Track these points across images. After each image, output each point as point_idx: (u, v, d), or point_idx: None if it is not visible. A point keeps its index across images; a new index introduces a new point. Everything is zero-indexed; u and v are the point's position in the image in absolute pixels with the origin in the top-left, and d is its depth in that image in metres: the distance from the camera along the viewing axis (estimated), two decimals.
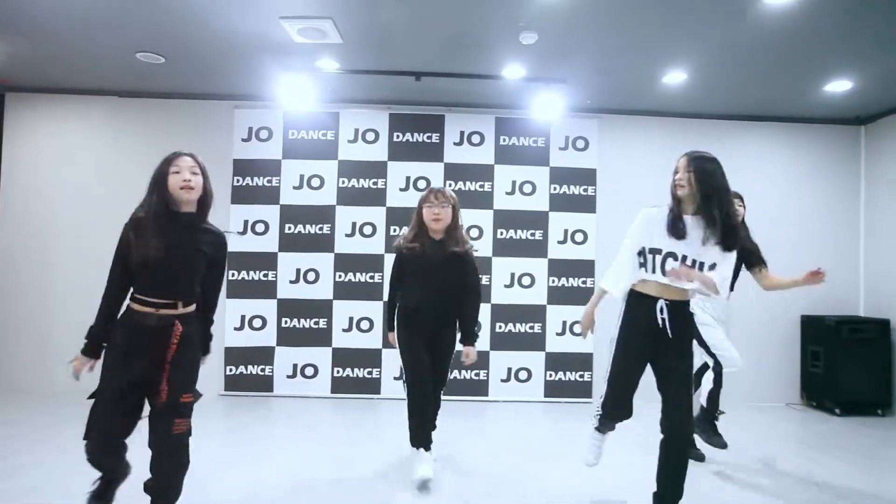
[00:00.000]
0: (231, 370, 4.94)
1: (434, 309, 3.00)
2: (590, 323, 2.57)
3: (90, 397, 2.12)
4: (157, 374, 2.09)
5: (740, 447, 3.66)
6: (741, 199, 3.30)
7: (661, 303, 2.34)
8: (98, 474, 2.23)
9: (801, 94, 4.68)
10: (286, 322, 4.99)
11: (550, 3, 3.21)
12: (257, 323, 4.97)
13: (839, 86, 4.43)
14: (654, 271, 2.35)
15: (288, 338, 4.98)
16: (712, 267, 2.28)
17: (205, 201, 2.24)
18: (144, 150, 4.94)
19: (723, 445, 3.37)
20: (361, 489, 2.96)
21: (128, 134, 5.03)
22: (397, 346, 3.07)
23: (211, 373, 4.91)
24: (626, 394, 2.47)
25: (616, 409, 2.52)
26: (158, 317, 2.10)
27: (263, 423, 4.23)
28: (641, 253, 2.40)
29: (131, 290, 2.15)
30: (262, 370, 4.96)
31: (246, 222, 4.99)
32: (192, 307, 2.20)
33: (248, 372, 4.96)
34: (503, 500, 2.87)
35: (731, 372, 3.33)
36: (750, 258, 3.28)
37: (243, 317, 4.95)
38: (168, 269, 2.11)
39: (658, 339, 2.35)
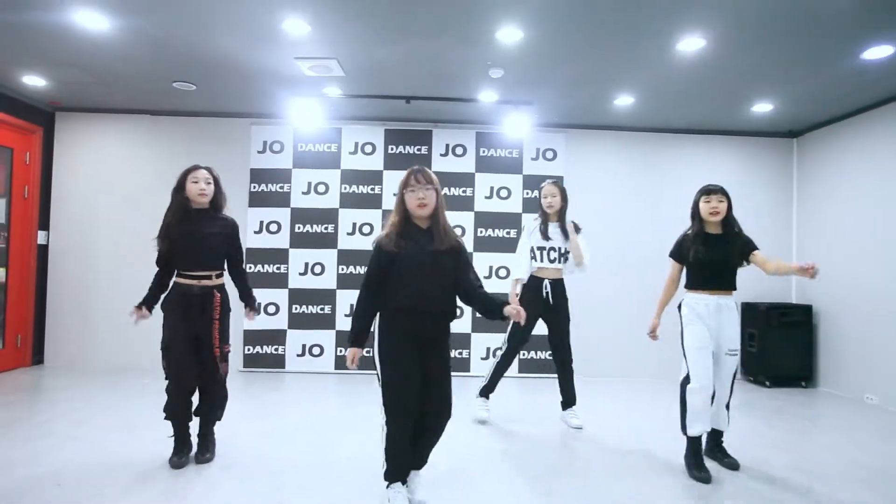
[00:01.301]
0: (249, 350, 5.75)
1: (432, 312, 2.44)
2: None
3: (163, 349, 2.97)
4: (206, 330, 2.97)
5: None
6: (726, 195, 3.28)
7: (545, 282, 3.99)
8: (170, 433, 3.10)
9: (732, 114, 5.49)
10: (296, 308, 5.80)
11: (511, 47, 4.01)
12: (272, 309, 5.78)
13: (762, 107, 5.24)
14: (541, 260, 4.00)
15: (298, 322, 5.79)
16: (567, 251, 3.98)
17: (217, 200, 3.12)
18: (174, 161, 5.76)
19: (706, 480, 3.01)
20: (361, 439, 3.78)
21: (160, 147, 5.83)
22: (376, 358, 2.46)
23: (232, 352, 5.72)
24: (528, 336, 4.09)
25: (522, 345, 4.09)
26: (200, 287, 3.00)
27: (277, 393, 5.03)
28: (532, 250, 3.86)
29: (175, 270, 3.05)
30: (276, 350, 5.78)
31: (262, 223, 5.80)
32: (223, 278, 3.11)
33: (264, 351, 5.77)
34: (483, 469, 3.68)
35: (693, 389, 3.07)
36: (745, 249, 3.20)
37: (260, 304, 5.76)
38: (195, 250, 3.00)
39: (546, 303, 3.99)
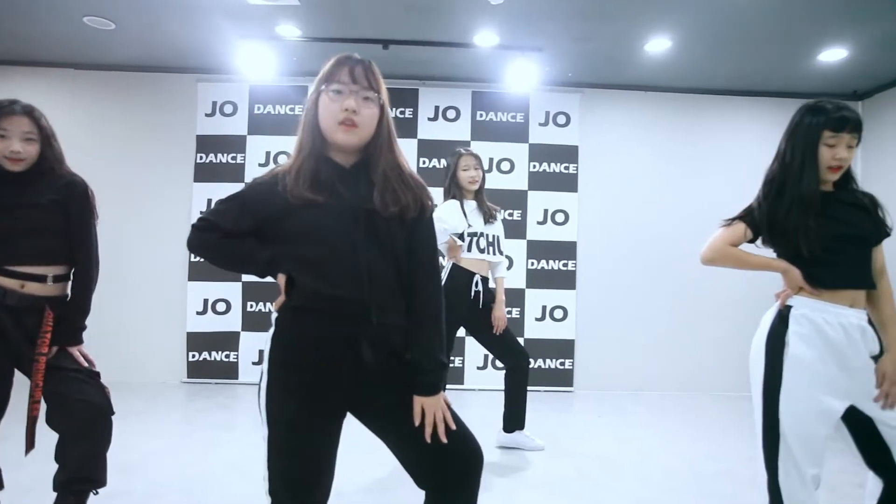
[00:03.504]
0: (194, 356, 4.73)
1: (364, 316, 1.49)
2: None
3: None
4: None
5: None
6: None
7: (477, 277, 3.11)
8: None
9: (794, 64, 4.43)
10: (251, 306, 4.77)
11: None
12: (221, 307, 4.75)
13: (834, 54, 4.18)
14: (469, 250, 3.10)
15: (254, 322, 4.75)
16: None
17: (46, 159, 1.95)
18: (103, 125, 4.78)
19: None
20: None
21: (85, 108, 4.79)
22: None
23: (173, 359, 4.73)
24: None
25: None
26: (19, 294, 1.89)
27: (225, 411, 4.03)
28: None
29: None
30: (227, 356, 4.75)
31: (209, 201, 4.76)
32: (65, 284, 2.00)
33: (212, 358, 4.74)
34: None
35: None
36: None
37: (206, 300, 4.74)
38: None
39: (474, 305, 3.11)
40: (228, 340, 4.75)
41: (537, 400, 4.52)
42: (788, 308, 1.69)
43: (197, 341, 4.73)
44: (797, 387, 1.63)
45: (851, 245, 1.67)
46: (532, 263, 4.85)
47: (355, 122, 1.30)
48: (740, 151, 4.83)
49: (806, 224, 1.65)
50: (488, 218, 3.12)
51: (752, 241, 1.82)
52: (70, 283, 2.01)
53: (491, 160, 4.84)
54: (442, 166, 4.79)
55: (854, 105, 5.07)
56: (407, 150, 4.98)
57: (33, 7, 3.74)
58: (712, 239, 1.86)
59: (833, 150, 1.66)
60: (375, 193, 1.31)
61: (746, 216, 1.80)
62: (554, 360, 4.83)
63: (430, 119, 4.85)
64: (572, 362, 4.84)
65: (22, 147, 1.87)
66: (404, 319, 1.34)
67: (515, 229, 4.81)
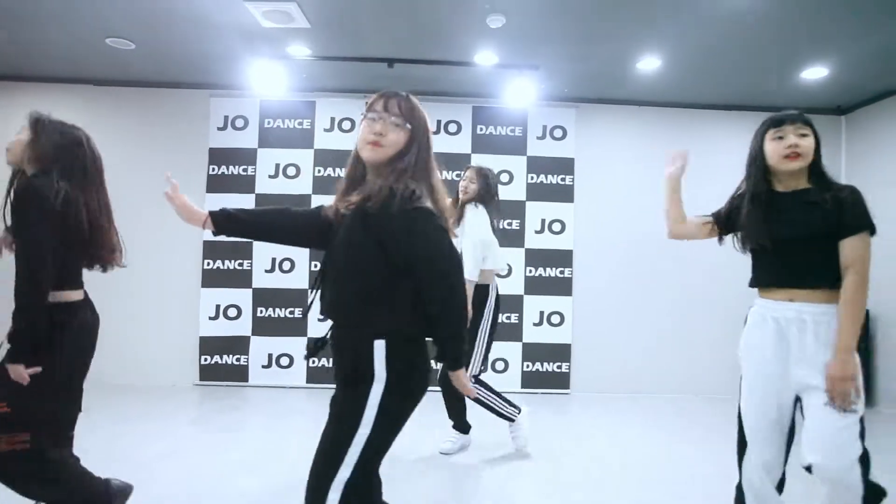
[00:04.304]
0: (206, 360, 4.91)
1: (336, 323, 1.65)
2: None
3: None
4: None
5: None
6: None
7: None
8: None
9: (778, 82, 4.64)
10: (261, 311, 4.96)
11: None
12: (232, 312, 4.94)
13: (815, 73, 4.39)
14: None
15: (263, 327, 4.95)
16: None
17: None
18: (120, 139, 4.98)
19: None
20: None
21: (105, 123, 4.97)
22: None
23: (185, 363, 4.92)
24: None
25: None
26: None
27: (236, 413, 4.21)
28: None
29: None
30: (237, 360, 4.93)
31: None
32: None
33: (223, 362, 4.93)
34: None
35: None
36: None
37: (218, 306, 4.93)
38: None
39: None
40: (239, 344, 4.94)
41: (535, 402, 4.70)
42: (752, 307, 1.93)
43: (209, 345, 4.91)
44: (747, 375, 1.86)
45: (790, 245, 1.79)
46: (530, 271, 5.06)
47: (380, 142, 1.53)
48: (728, 163, 4.95)
49: (756, 219, 1.83)
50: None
51: (720, 235, 2.07)
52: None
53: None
54: (444, 179, 4.99)
55: (837, 120, 5.30)
56: None
57: (57, 28, 3.93)
58: None
59: (781, 142, 1.82)
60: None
61: (716, 212, 2.09)
62: (551, 364, 5.02)
63: (433, 132, 5.05)
64: (569, 366, 5.03)
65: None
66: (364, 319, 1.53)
67: (514, 238, 5.01)
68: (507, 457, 3.32)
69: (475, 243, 3.07)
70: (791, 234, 1.79)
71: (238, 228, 1.71)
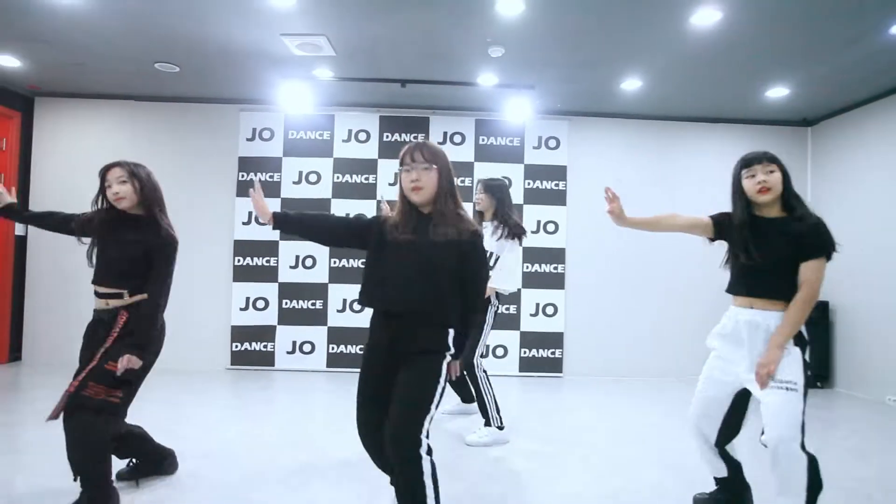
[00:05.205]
0: (237, 346, 5.49)
1: (398, 313, 2.06)
2: None
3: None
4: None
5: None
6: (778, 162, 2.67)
7: None
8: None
9: (746, 100, 5.21)
10: (286, 303, 5.53)
11: (511, 21, 3.74)
12: (261, 304, 5.52)
13: (777, 92, 4.96)
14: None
15: (288, 317, 5.52)
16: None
17: (145, 200, 2.51)
18: (158, 149, 5.53)
19: None
20: (347, 442, 3.50)
21: (144, 134, 5.56)
22: None
23: (218, 349, 5.48)
24: None
25: None
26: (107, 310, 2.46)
27: (264, 391, 4.77)
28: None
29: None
30: (265, 346, 5.51)
31: (250, 213, 5.53)
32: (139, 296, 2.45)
33: (252, 348, 5.50)
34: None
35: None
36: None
37: (248, 298, 5.50)
38: (102, 259, 2.50)
39: None
40: (266, 333, 5.51)
41: (532, 384, 5.28)
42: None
43: (239, 333, 5.49)
44: (709, 359, 2.38)
45: (760, 265, 2.19)
46: (527, 267, 5.63)
47: (419, 186, 2.02)
48: (706, 169, 5.60)
49: (742, 240, 2.25)
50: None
51: (712, 239, 2.42)
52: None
53: None
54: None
55: (804, 131, 5.87)
56: None
57: (109, 52, 4.45)
58: None
59: (753, 179, 2.21)
60: (431, 230, 2.01)
61: (717, 216, 2.39)
62: (546, 350, 5.60)
63: (439, 143, 5.61)
64: (562, 352, 5.61)
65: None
66: (433, 310, 2.03)
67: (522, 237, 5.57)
68: (507, 434, 3.56)
69: (512, 269, 3.57)
70: (765, 258, 2.20)
71: (289, 228, 2.25)
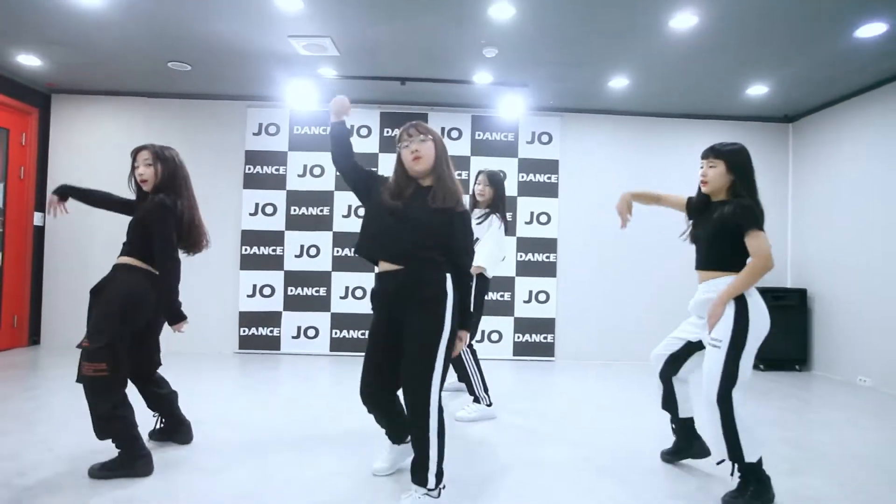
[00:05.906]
0: (244, 331, 5.77)
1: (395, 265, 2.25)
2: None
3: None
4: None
5: None
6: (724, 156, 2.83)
7: None
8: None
9: (728, 98, 5.49)
10: (292, 290, 5.81)
11: (504, 24, 4.01)
12: (267, 291, 5.80)
13: (757, 90, 5.23)
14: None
15: (293, 304, 5.81)
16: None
17: (162, 179, 2.71)
18: (169, 142, 5.72)
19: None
20: (352, 415, 3.79)
21: (156, 129, 5.83)
22: None
23: (227, 334, 5.77)
24: None
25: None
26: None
27: (271, 372, 5.05)
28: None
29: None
30: (271, 331, 5.79)
31: (257, 205, 5.81)
32: (127, 259, 2.72)
33: (259, 333, 5.79)
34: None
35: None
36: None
37: (255, 285, 5.78)
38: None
39: None
40: (272, 318, 5.80)
41: (525, 367, 5.57)
42: None
43: (247, 319, 5.78)
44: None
45: (702, 241, 2.58)
46: (521, 256, 5.91)
47: (419, 155, 2.23)
48: (691, 163, 5.85)
49: (690, 219, 2.72)
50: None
51: (688, 217, 2.75)
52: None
53: None
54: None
55: (785, 128, 6.15)
56: None
57: (126, 52, 4.71)
58: None
59: (700, 171, 2.61)
60: (435, 198, 2.20)
61: (691, 198, 2.75)
62: (538, 335, 5.89)
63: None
64: (553, 337, 5.90)
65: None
66: (425, 264, 2.21)
67: (508, 228, 5.84)
68: (496, 410, 3.75)
69: (493, 251, 3.69)
70: (700, 234, 2.60)
71: (337, 139, 2.50)
